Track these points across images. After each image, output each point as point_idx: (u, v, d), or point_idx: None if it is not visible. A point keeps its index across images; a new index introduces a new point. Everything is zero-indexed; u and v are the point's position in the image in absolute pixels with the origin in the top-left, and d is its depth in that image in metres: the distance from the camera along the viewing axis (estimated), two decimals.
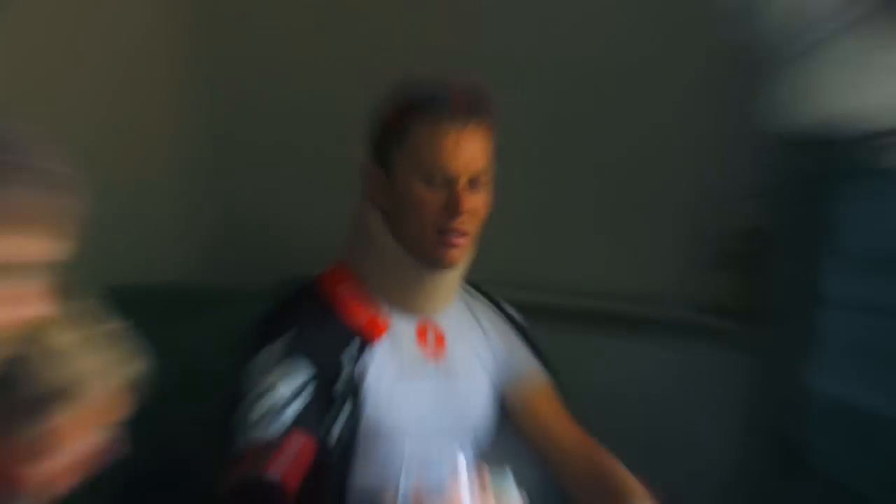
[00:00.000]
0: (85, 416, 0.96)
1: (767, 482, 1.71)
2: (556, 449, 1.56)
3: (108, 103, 1.78)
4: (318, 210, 1.90)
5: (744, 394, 1.76)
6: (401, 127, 1.36)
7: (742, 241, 1.77)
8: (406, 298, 1.42)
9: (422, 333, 1.44)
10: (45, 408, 0.96)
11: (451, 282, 1.44)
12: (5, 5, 1.47)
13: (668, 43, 1.76)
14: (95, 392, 0.97)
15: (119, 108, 1.84)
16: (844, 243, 1.51)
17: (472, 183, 1.34)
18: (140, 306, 1.55)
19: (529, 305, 1.61)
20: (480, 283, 1.55)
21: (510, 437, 1.56)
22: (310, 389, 1.30)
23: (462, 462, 1.10)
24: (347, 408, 1.36)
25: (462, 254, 1.38)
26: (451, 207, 1.34)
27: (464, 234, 1.35)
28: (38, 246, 0.89)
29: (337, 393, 1.33)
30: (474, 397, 1.48)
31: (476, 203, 1.35)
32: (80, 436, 0.95)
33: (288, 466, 1.24)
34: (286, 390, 1.29)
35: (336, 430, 1.34)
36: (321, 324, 1.36)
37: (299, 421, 1.27)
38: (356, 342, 1.36)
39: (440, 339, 1.47)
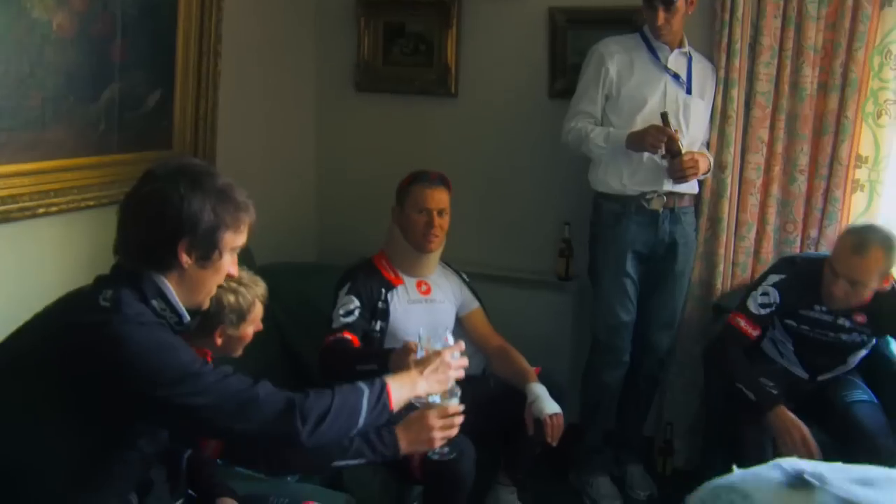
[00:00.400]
0: (251, 322, 1.93)
1: (587, 364, 2.99)
2: (485, 346, 2.62)
3: (279, 169, 3.26)
4: (372, 224, 3.23)
5: (572, 315, 3.20)
6: (408, 187, 2.53)
7: (567, 244, 3.18)
8: (410, 268, 2.53)
9: (419, 284, 2.55)
10: (227, 319, 1.82)
11: (432, 259, 2.56)
12: None
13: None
14: (255, 308, 1.94)
15: (283, 169, 3.31)
16: (619, 245, 2.79)
17: (440, 213, 2.49)
18: (284, 273, 2.97)
19: (471, 272, 2.78)
20: (449, 261, 2.69)
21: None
22: (358, 310, 2.40)
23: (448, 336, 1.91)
24: (381, 316, 2.45)
25: (437, 246, 2.51)
26: (429, 224, 2.47)
27: (437, 236, 2.49)
28: (244, 238, 1.59)
29: (377, 308, 2.43)
30: (445, 314, 2.55)
31: (441, 223, 2.49)
32: (250, 334, 1.89)
33: (349, 339, 2.34)
34: (348, 309, 2.39)
35: (377, 326, 2.45)
36: (369, 278, 2.46)
37: (351, 324, 2.37)
38: (387, 286, 2.49)
39: (428, 288, 2.57)
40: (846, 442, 2.41)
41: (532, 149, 3.28)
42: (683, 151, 2.59)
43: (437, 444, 1.82)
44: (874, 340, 2.61)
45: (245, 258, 2.76)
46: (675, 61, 2.75)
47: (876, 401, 2.53)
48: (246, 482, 2.07)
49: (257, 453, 1.80)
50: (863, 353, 2.62)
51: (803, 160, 2.91)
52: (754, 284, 2.64)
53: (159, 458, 1.63)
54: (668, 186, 2.75)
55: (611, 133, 2.70)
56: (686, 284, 2.96)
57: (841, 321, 2.52)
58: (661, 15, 2.63)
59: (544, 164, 3.25)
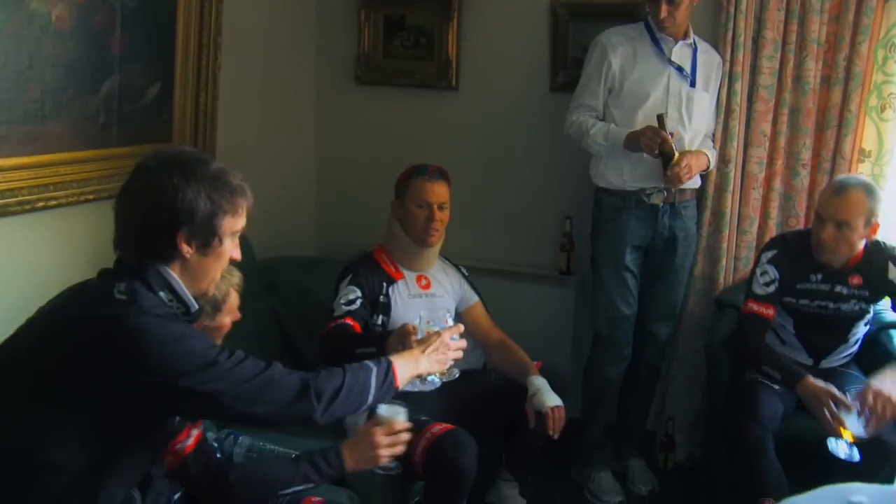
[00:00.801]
0: (228, 312, 1.85)
1: (589, 358, 2.97)
2: (485, 340, 2.61)
3: (279, 162, 3.23)
4: (372, 218, 3.21)
5: (573, 309, 3.19)
6: (408, 181, 2.51)
7: (568, 238, 3.18)
8: (411, 262, 2.52)
9: (419, 279, 2.53)
10: (203, 310, 1.67)
11: (432, 253, 2.55)
12: None
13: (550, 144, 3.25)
14: (231, 298, 1.85)
15: (283, 162, 3.28)
16: (619, 239, 2.78)
17: (440, 207, 2.47)
18: (284, 267, 2.98)
19: (471, 266, 2.79)
20: (449, 255, 2.69)
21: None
22: (360, 300, 2.38)
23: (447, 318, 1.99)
24: (382, 310, 2.43)
25: (437, 240, 2.49)
26: (430, 217, 2.45)
27: (437, 230, 2.47)
28: (244, 221, 1.57)
29: (378, 302, 2.42)
30: (444, 308, 2.43)
31: (442, 216, 2.48)
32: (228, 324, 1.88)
33: (351, 325, 2.31)
34: (348, 298, 2.37)
35: (378, 320, 2.42)
36: (370, 271, 2.45)
37: (352, 312, 2.35)
38: (387, 280, 2.47)
39: (428, 282, 2.55)
40: None
41: (533, 142, 3.27)
42: (677, 155, 2.58)
43: (383, 461, 1.81)
44: (871, 313, 2.62)
45: (245, 252, 2.76)
46: (680, 53, 2.73)
47: None
48: None
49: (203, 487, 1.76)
50: (862, 328, 2.63)
51: (806, 154, 2.90)
52: (753, 270, 2.67)
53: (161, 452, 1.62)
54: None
55: (610, 130, 2.69)
56: (686, 277, 2.96)
57: (838, 288, 2.53)
58: (665, 8, 2.61)
59: (545, 157, 3.24)
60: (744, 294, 2.67)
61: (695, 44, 2.76)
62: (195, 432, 1.75)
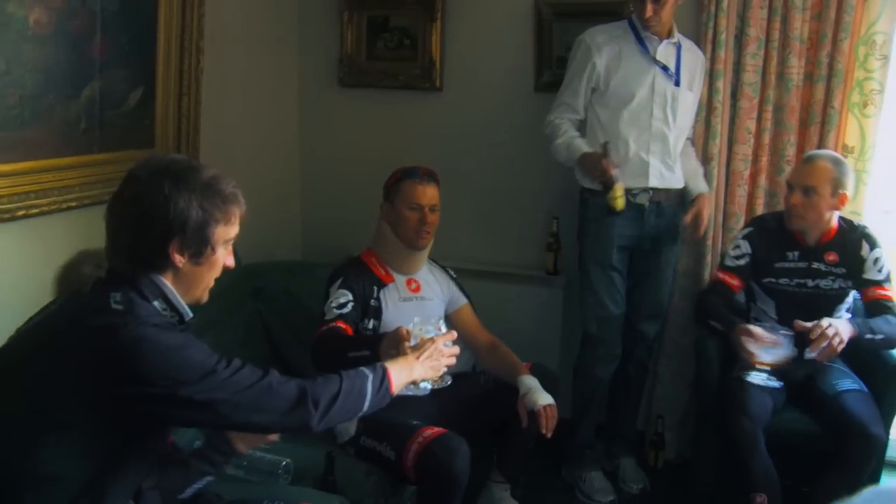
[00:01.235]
0: None
1: (578, 359, 2.96)
2: (474, 342, 2.59)
3: (263, 166, 3.20)
4: (357, 221, 3.25)
5: (561, 309, 3.19)
6: (398, 184, 2.49)
7: (555, 238, 3.18)
8: (401, 265, 2.50)
9: (409, 282, 2.52)
10: None
11: (422, 256, 2.54)
12: None
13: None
14: None
15: (267, 166, 3.25)
16: (605, 239, 2.77)
17: (431, 209, 2.47)
18: (271, 273, 2.95)
19: (458, 267, 2.76)
20: (436, 257, 2.67)
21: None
22: (351, 304, 2.35)
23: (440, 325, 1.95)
24: (373, 314, 2.40)
25: (428, 242, 2.49)
26: (422, 220, 2.44)
27: (428, 233, 2.47)
28: (237, 229, 1.56)
29: (370, 306, 2.40)
30: (434, 310, 2.49)
31: (433, 219, 2.47)
32: None
33: (343, 328, 2.29)
34: (340, 302, 2.34)
35: (370, 324, 2.39)
36: (360, 275, 2.42)
37: (344, 315, 2.33)
38: (378, 284, 2.45)
39: (418, 285, 2.54)
40: (837, 432, 2.42)
41: (519, 143, 3.27)
42: (616, 186, 2.54)
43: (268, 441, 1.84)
44: (851, 298, 2.68)
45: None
46: (664, 52, 2.73)
47: (866, 390, 2.54)
48: (237, 485, 2.05)
49: None
50: (844, 313, 2.66)
51: (790, 151, 2.91)
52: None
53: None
54: (655, 182, 2.75)
55: (572, 145, 2.68)
56: (671, 275, 2.97)
57: (816, 265, 2.62)
58: (650, 7, 2.61)
59: (531, 158, 3.23)
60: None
61: (679, 42, 2.77)
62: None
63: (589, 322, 2.88)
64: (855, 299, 2.70)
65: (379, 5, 3.40)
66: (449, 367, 1.87)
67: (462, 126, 3.37)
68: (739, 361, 2.62)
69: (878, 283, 2.61)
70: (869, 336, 2.49)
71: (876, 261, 2.60)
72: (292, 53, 3.52)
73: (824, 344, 2.42)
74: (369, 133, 3.51)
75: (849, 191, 2.55)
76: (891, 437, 2.46)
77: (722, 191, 3.00)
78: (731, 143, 2.97)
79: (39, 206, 2.25)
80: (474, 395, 2.47)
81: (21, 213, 2.21)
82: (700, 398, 2.88)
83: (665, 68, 2.72)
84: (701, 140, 2.97)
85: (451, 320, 2.60)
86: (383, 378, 1.67)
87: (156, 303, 1.48)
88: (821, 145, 2.85)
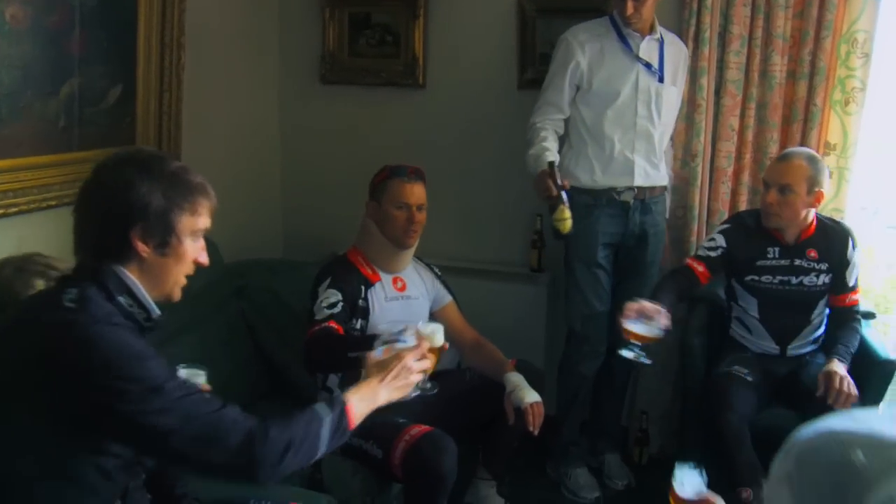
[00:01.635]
0: None
1: (563, 356, 2.96)
2: (460, 340, 2.58)
3: (244, 163, 3.19)
4: (339, 219, 3.26)
5: (545, 306, 3.20)
6: (386, 182, 2.46)
7: (539, 236, 3.18)
8: (387, 263, 2.48)
9: (395, 281, 2.49)
10: None
11: (408, 255, 2.52)
12: None
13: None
14: None
15: (248, 163, 3.23)
16: (590, 237, 2.77)
17: (419, 208, 2.44)
18: (253, 271, 2.94)
19: (442, 265, 2.75)
20: (420, 255, 2.62)
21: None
22: (341, 303, 2.31)
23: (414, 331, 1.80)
24: (361, 314, 2.37)
25: (415, 241, 2.46)
26: (409, 219, 2.41)
27: (415, 231, 2.44)
28: (206, 222, 1.52)
29: (357, 306, 2.36)
30: (420, 309, 2.51)
31: (421, 218, 2.44)
32: None
33: (335, 328, 2.24)
34: (330, 301, 2.30)
35: (357, 324, 2.35)
36: (348, 274, 2.39)
37: (335, 315, 2.28)
38: (365, 283, 2.42)
39: (403, 284, 2.51)
40: None
41: (502, 140, 3.26)
42: (561, 207, 2.48)
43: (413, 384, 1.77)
44: (829, 284, 2.65)
45: (212, 255, 2.71)
46: (647, 48, 2.73)
47: None
48: (223, 485, 2.03)
49: None
50: (823, 309, 2.68)
51: (773, 148, 2.93)
52: None
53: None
54: (640, 181, 2.76)
55: (539, 159, 2.62)
56: (657, 272, 2.97)
57: (798, 262, 2.61)
58: (630, 4, 2.61)
59: (515, 155, 3.17)
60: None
61: (661, 38, 2.77)
62: None
63: (574, 319, 2.88)
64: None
65: (360, 2, 3.38)
66: (419, 382, 1.75)
67: (445, 123, 3.35)
68: (725, 357, 2.64)
69: (852, 289, 2.65)
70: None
71: (854, 265, 2.64)
72: (274, 50, 3.49)
73: (843, 398, 2.40)
74: (351, 130, 3.49)
75: (825, 188, 2.55)
76: None
77: (706, 187, 3.02)
78: (715, 140, 2.98)
79: (18, 204, 2.22)
80: (460, 392, 2.46)
81: (0, 211, 2.17)
82: (685, 394, 2.89)
83: (648, 65, 2.72)
84: (684, 137, 2.98)
85: (435, 318, 2.58)
86: (341, 416, 1.54)
87: (121, 298, 1.43)
88: (803, 142, 2.87)
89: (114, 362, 1.33)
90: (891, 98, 2.94)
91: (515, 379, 2.37)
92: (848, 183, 2.90)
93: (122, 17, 2.51)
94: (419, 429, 2.18)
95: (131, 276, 1.45)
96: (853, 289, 2.65)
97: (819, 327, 2.70)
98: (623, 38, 2.72)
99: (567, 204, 2.49)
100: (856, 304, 2.68)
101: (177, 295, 1.54)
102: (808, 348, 2.70)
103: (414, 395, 1.79)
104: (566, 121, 2.78)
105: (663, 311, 2.28)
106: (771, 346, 2.68)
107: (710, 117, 2.96)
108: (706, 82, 2.92)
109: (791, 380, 2.61)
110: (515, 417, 2.34)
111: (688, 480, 1.61)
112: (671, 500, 1.64)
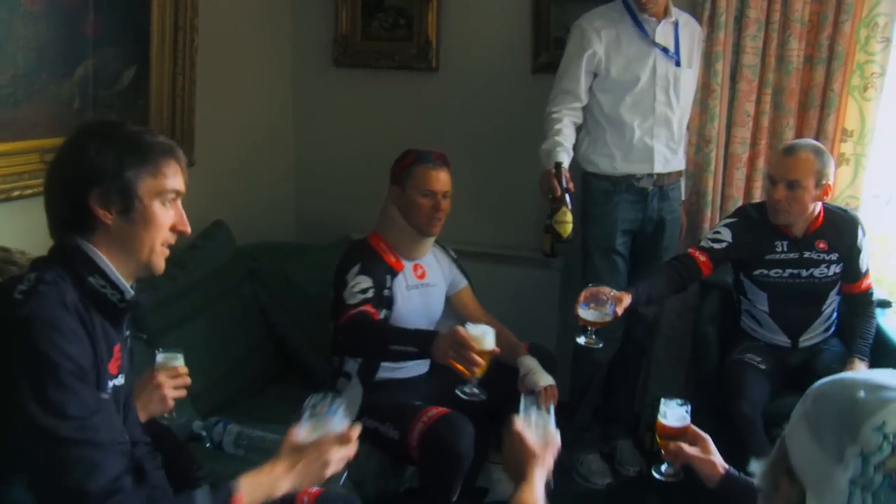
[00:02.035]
0: None
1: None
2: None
3: (257, 146, 3.21)
4: (351, 202, 3.33)
5: (558, 291, 3.19)
6: (411, 168, 2.40)
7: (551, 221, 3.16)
8: (409, 251, 2.44)
9: (415, 268, 2.47)
10: None
11: (430, 242, 2.49)
12: None
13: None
14: None
15: (261, 147, 3.27)
16: (609, 223, 2.77)
17: (444, 195, 2.39)
18: (265, 254, 2.93)
19: (455, 249, 2.71)
20: (436, 239, 2.56)
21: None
22: (372, 290, 2.27)
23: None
24: (386, 304, 2.31)
25: (438, 229, 2.42)
26: (436, 207, 2.37)
27: (440, 219, 2.39)
28: (175, 183, 1.44)
29: (383, 296, 2.31)
30: (438, 297, 2.53)
31: (446, 205, 2.40)
32: None
33: (372, 313, 2.21)
34: (362, 287, 2.26)
35: (381, 315, 2.28)
36: (375, 262, 2.34)
37: (370, 300, 2.25)
38: (391, 273, 2.37)
39: (423, 271, 2.49)
40: None
41: (515, 124, 3.23)
42: (563, 209, 2.48)
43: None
44: (841, 274, 2.63)
45: (226, 238, 2.74)
46: (663, 32, 2.70)
47: None
48: (238, 463, 2.04)
49: None
50: (835, 298, 2.65)
51: (789, 134, 2.90)
52: None
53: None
54: (660, 167, 2.74)
55: (550, 155, 2.60)
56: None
57: (807, 254, 2.57)
58: None
59: (527, 139, 3.15)
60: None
61: (676, 20, 2.73)
62: None
63: None
64: None
65: None
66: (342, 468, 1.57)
67: (458, 107, 3.33)
68: (738, 345, 2.63)
69: (865, 274, 2.63)
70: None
71: (865, 251, 2.61)
72: (287, 33, 3.47)
73: None
74: (364, 113, 3.47)
75: (832, 180, 2.51)
76: None
77: (720, 174, 3.00)
78: (730, 125, 2.96)
79: (33, 186, 2.21)
80: None
81: (16, 193, 2.18)
82: (698, 381, 2.88)
83: (665, 50, 2.69)
84: (698, 122, 2.96)
85: (450, 302, 2.59)
86: None
87: (91, 279, 1.38)
88: (820, 129, 2.84)
89: (35, 378, 1.27)
90: None
91: (529, 363, 2.37)
92: (865, 170, 2.87)
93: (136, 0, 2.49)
94: (436, 410, 2.18)
95: (99, 253, 1.40)
96: (865, 274, 2.63)
97: (830, 316, 2.69)
98: (639, 24, 2.69)
99: (570, 207, 2.47)
100: (869, 288, 2.66)
101: (158, 265, 1.47)
102: (821, 337, 2.69)
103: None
104: (583, 108, 2.75)
105: (613, 294, 2.24)
106: (782, 340, 2.68)
107: (725, 103, 2.93)
108: (721, 67, 2.89)
109: (804, 368, 2.60)
110: None
111: (671, 413, 1.70)
112: (657, 431, 1.75)
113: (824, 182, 2.47)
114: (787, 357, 2.65)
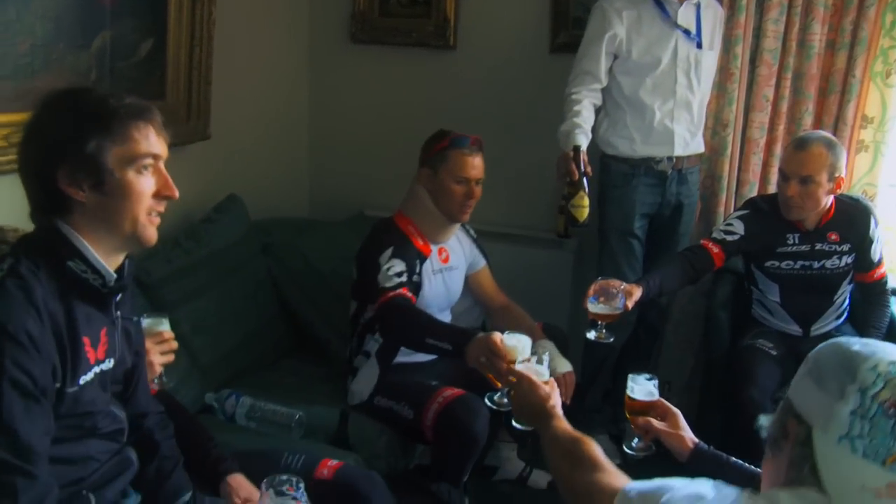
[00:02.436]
0: None
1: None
2: (490, 304, 2.61)
3: (272, 121, 3.19)
4: (365, 178, 3.33)
5: (571, 272, 3.20)
6: (446, 152, 2.33)
7: (566, 201, 3.12)
8: (437, 235, 2.41)
9: (440, 251, 2.45)
10: None
11: (457, 227, 2.47)
12: None
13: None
14: None
15: (276, 121, 3.25)
16: (628, 206, 2.75)
17: (477, 182, 2.35)
18: (279, 228, 2.93)
19: (478, 229, 2.71)
20: None
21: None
22: (406, 273, 2.23)
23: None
24: (414, 289, 2.26)
25: (468, 216, 2.39)
26: (469, 195, 2.32)
27: (470, 207, 2.35)
28: (148, 146, 1.34)
29: (413, 281, 2.27)
30: (458, 279, 2.52)
31: (478, 192, 2.36)
32: None
33: (410, 297, 2.19)
34: (397, 270, 2.23)
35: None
36: (406, 247, 2.29)
37: (406, 283, 2.22)
38: (420, 258, 2.33)
39: (447, 255, 2.47)
40: None
41: (532, 104, 3.21)
42: (580, 193, 2.45)
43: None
44: (853, 264, 2.61)
45: (240, 212, 2.75)
46: (685, 14, 2.67)
47: None
48: (250, 436, 2.08)
49: None
50: (847, 287, 2.64)
51: (808, 120, 2.87)
52: None
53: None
54: (679, 151, 2.73)
55: (569, 137, 2.57)
56: (687, 243, 2.94)
57: (819, 246, 2.55)
58: None
59: (544, 119, 3.14)
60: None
61: (699, 1, 2.70)
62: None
63: None
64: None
65: None
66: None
67: (474, 85, 3.31)
68: (750, 330, 2.63)
69: (878, 263, 2.61)
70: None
71: (878, 241, 2.59)
72: (304, 8, 3.45)
73: None
74: (380, 90, 3.45)
75: (844, 173, 2.48)
76: None
77: (736, 158, 2.97)
78: (748, 109, 2.93)
79: None
80: None
81: None
82: (708, 365, 2.88)
83: (687, 32, 2.66)
84: (715, 106, 2.93)
85: (468, 281, 2.58)
86: None
87: (71, 263, 1.32)
88: (839, 115, 2.81)
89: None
90: None
91: (548, 346, 2.36)
92: (884, 157, 2.84)
93: None
94: (452, 391, 2.18)
95: (78, 235, 1.33)
96: (879, 263, 2.62)
97: (842, 305, 2.68)
98: (660, 5, 2.66)
99: (587, 191, 2.44)
100: (884, 276, 2.64)
101: (147, 236, 1.38)
102: (833, 325, 2.68)
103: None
104: (602, 90, 2.73)
105: (624, 287, 2.21)
106: (794, 329, 2.67)
107: (744, 87, 2.90)
108: (741, 51, 2.85)
109: None
110: None
111: (639, 388, 1.71)
112: (625, 406, 1.76)
113: (837, 175, 2.44)
114: (798, 345, 2.63)
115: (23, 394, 1.22)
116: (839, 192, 2.51)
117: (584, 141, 2.55)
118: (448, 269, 2.47)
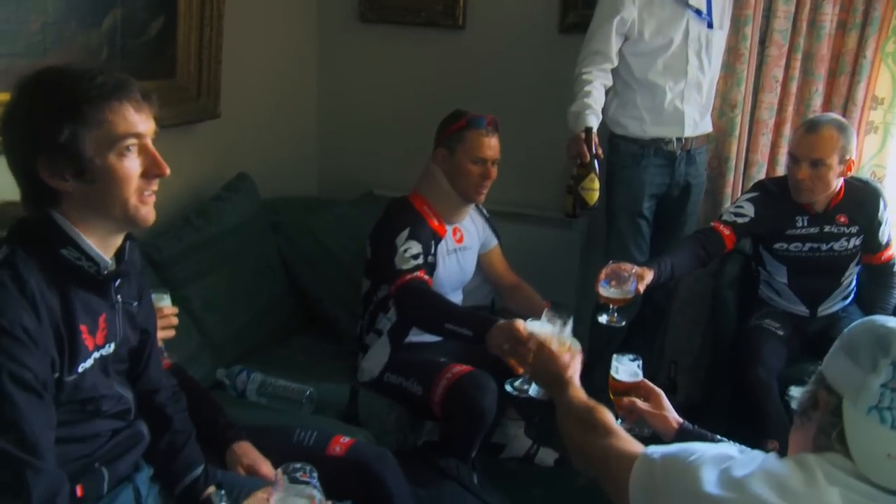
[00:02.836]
0: None
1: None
2: (500, 283, 2.63)
3: (281, 101, 3.19)
4: (373, 158, 3.32)
5: (579, 252, 3.21)
6: (463, 133, 2.33)
7: (575, 181, 3.13)
8: (452, 215, 2.41)
9: (455, 231, 2.45)
10: None
11: (471, 207, 2.47)
12: None
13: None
14: None
15: (285, 101, 3.24)
16: (636, 186, 2.74)
17: (493, 163, 2.34)
18: (288, 207, 2.94)
19: (487, 209, 2.70)
20: None
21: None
22: (422, 255, 2.23)
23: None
24: (429, 270, 2.27)
25: (484, 197, 2.38)
26: (485, 175, 2.32)
27: (486, 187, 2.34)
28: (130, 125, 1.26)
29: (428, 262, 2.27)
30: (471, 259, 2.53)
31: (494, 173, 2.35)
32: None
33: (427, 280, 2.20)
34: (413, 252, 2.22)
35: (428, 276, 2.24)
36: (422, 228, 2.29)
37: (422, 266, 2.22)
38: (436, 239, 2.34)
39: (461, 235, 2.48)
40: None
41: (541, 84, 3.21)
42: (591, 175, 2.44)
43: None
44: (861, 246, 2.61)
45: (249, 190, 2.76)
46: None
47: None
48: (261, 411, 2.10)
49: None
50: (854, 269, 2.64)
51: (817, 101, 2.87)
52: None
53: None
54: (689, 132, 2.73)
55: (579, 118, 2.55)
56: (694, 224, 2.95)
57: (828, 228, 2.55)
58: None
59: (553, 99, 3.15)
60: None
61: None
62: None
63: None
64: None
65: None
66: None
67: (484, 65, 3.30)
68: (757, 310, 2.64)
69: (886, 245, 2.62)
70: None
71: (886, 223, 2.59)
72: None
73: None
74: (389, 70, 3.45)
75: (854, 156, 2.47)
76: None
77: (745, 139, 2.97)
78: (757, 90, 2.92)
79: None
80: None
81: None
82: (715, 345, 2.89)
83: (698, 11, 2.65)
84: (724, 86, 2.92)
85: (480, 260, 2.59)
86: None
87: (64, 251, 1.28)
88: (849, 96, 2.80)
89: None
90: None
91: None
92: (893, 138, 2.83)
93: None
94: (461, 368, 2.19)
95: (70, 223, 1.29)
96: (887, 245, 2.62)
97: (850, 286, 2.68)
98: None
99: (598, 173, 2.43)
100: (891, 258, 2.65)
101: (142, 216, 1.33)
102: (839, 306, 2.69)
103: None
104: (612, 69, 2.72)
105: (635, 270, 2.19)
106: (801, 309, 2.68)
107: (753, 67, 2.89)
108: (750, 31, 2.84)
109: (823, 335, 2.60)
110: None
111: (623, 368, 1.72)
112: (609, 387, 1.75)
113: (848, 158, 2.43)
114: (805, 325, 2.67)
115: (24, 388, 1.21)
116: (850, 174, 2.50)
117: (595, 123, 2.54)
118: (462, 249, 2.48)
